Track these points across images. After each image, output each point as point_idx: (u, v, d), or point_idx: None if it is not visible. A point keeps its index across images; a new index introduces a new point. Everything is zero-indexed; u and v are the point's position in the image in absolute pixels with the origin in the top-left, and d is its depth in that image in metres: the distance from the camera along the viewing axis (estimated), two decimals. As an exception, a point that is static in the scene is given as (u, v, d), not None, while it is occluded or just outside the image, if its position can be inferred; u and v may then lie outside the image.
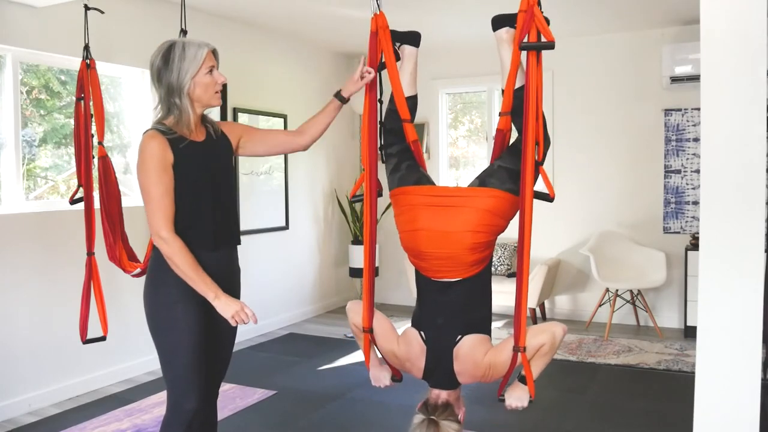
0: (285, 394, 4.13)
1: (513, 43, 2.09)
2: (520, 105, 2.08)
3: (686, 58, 5.29)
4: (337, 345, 5.25)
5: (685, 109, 5.63)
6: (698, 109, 4.82)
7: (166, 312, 2.24)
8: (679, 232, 5.72)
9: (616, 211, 5.94)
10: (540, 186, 2.06)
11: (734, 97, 1.78)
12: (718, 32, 1.80)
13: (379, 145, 2.35)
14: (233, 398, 3.99)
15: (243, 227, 5.14)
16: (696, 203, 5.63)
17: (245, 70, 5.45)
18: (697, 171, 5.61)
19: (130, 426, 3.59)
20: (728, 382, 1.81)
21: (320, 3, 4.83)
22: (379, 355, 2.38)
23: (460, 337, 2.15)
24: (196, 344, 2.23)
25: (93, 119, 3.30)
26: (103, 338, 3.41)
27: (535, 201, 2.08)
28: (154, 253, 2.25)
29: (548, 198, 2.05)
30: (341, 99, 2.45)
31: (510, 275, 6.03)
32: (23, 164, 4.02)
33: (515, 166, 2.09)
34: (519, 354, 2.05)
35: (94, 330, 3.47)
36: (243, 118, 5.40)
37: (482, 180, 2.18)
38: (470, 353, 2.14)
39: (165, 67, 2.18)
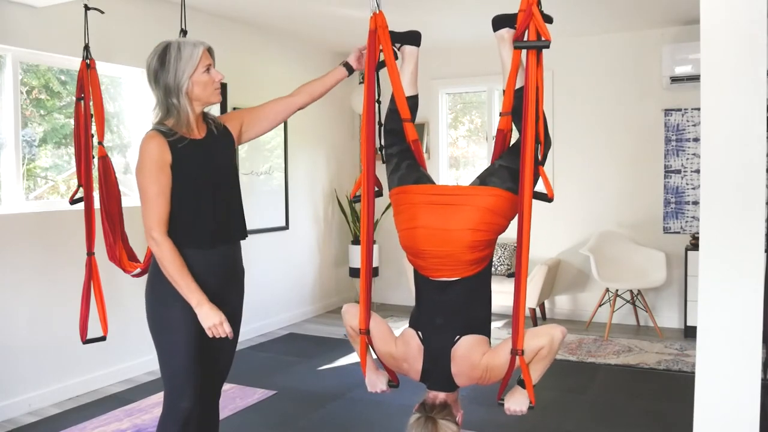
0: (285, 394, 4.13)
1: (528, 68, 2.07)
2: (520, 105, 2.08)
3: (686, 58, 5.29)
4: (337, 345, 5.25)
5: (685, 109, 5.63)
6: (698, 109, 4.82)
7: (164, 311, 2.24)
8: (679, 232, 5.72)
9: (616, 211, 5.94)
10: (539, 186, 2.05)
11: (734, 97, 1.78)
12: (718, 32, 1.80)
13: (378, 146, 2.34)
14: (233, 398, 3.99)
15: (243, 227, 5.13)
16: (696, 203, 5.63)
17: (245, 70, 5.45)
18: (697, 171, 5.61)
19: (130, 426, 3.59)
20: (728, 382, 1.81)
21: (320, 3, 4.83)
22: (375, 357, 2.34)
23: (458, 337, 2.14)
24: (192, 344, 2.23)
25: (93, 119, 3.30)
26: (103, 338, 3.41)
27: (535, 201, 2.08)
28: None
29: (547, 198, 2.04)
30: (349, 68, 2.46)
31: (510, 275, 6.02)
32: (23, 164, 4.02)
33: (516, 166, 2.07)
34: (517, 357, 2.02)
35: (94, 330, 3.47)
36: (243, 118, 5.40)
37: (483, 179, 2.17)
38: (468, 354, 2.12)
39: (161, 68, 2.18)
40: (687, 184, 5.67)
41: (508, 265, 6.06)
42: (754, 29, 1.75)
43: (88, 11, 3.30)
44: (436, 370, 2.16)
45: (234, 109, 5.27)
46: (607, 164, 5.96)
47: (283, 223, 5.98)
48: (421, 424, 2.08)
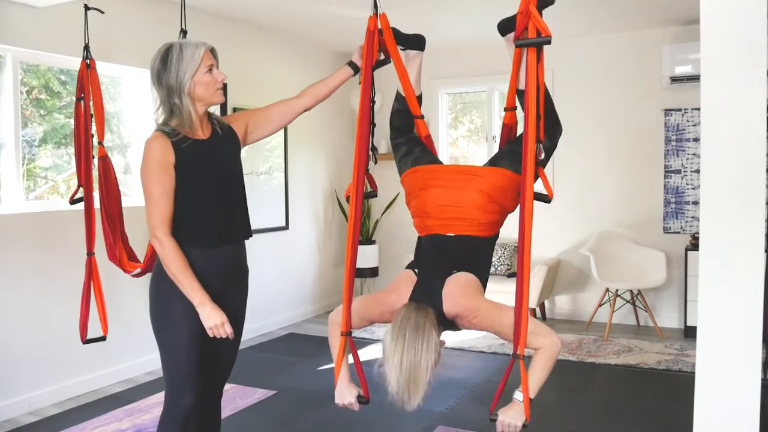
0: (285, 394, 4.13)
1: (528, 65, 2.08)
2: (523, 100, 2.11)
3: (686, 58, 5.29)
4: (337, 345, 5.24)
5: (685, 109, 5.63)
6: (698, 109, 4.82)
7: (167, 309, 2.25)
8: (679, 232, 5.72)
9: (616, 211, 5.94)
10: (539, 187, 2.05)
11: (734, 97, 1.78)
12: (718, 32, 1.80)
13: (371, 146, 2.35)
14: (233, 398, 3.99)
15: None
16: (696, 203, 5.63)
17: (245, 70, 5.45)
18: (697, 171, 5.61)
19: (130, 426, 3.59)
20: (728, 382, 1.81)
21: (320, 3, 4.83)
22: (351, 362, 2.20)
23: (456, 271, 2.10)
24: (194, 342, 2.24)
25: (93, 119, 3.30)
26: (103, 338, 3.41)
27: (536, 200, 2.08)
28: None
29: (546, 199, 2.05)
30: (354, 67, 2.45)
31: (510, 275, 6.03)
32: (23, 164, 4.02)
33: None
34: (517, 362, 1.93)
35: (94, 330, 3.47)
36: (243, 118, 5.40)
37: (494, 162, 2.26)
38: (464, 283, 2.06)
39: (164, 68, 2.19)
40: (687, 184, 5.67)
41: (508, 265, 6.06)
42: (754, 29, 1.75)
43: (88, 11, 3.30)
44: (426, 293, 2.07)
45: (234, 109, 5.28)
46: (607, 164, 5.96)
47: (283, 223, 5.99)
48: (413, 307, 1.98)
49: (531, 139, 1.96)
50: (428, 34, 2.61)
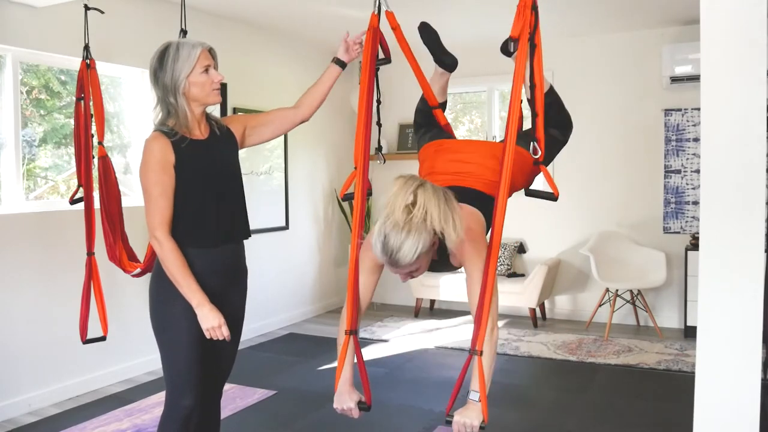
0: (285, 394, 4.13)
1: (517, 58, 2.05)
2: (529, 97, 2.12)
3: (686, 58, 5.29)
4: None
5: (685, 109, 5.63)
6: (698, 109, 4.82)
7: (167, 309, 2.25)
8: (679, 232, 5.72)
9: (616, 211, 5.94)
10: (543, 185, 2.05)
11: (734, 97, 1.78)
12: (718, 32, 1.80)
13: (377, 145, 2.37)
14: (233, 398, 3.99)
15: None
16: (696, 203, 5.63)
17: (245, 70, 5.45)
18: (697, 171, 5.61)
19: (130, 426, 3.59)
20: (728, 382, 1.81)
21: (320, 3, 4.83)
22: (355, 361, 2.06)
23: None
24: (194, 342, 2.24)
25: (93, 119, 3.30)
26: (103, 338, 3.41)
27: (536, 200, 2.08)
28: None
29: (553, 197, 2.04)
30: (341, 64, 2.45)
31: (510, 275, 6.03)
32: (23, 164, 4.02)
33: (533, 135, 2.11)
34: (475, 358, 1.80)
35: (94, 330, 3.47)
36: (243, 118, 5.40)
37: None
38: (469, 211, 1.96)
39: (160, 68, 2.20)
40: (687, 184, 5.67)
41: (508, 265, 6.06)
42: (754, 29, 1.75)
43: (88, 11, 3.30)
44: None
45: (234, 109, 5.28)
46: (607, 164, 5.96)
47: (283, 223, 5.99)
48: (412, 182, 1.79)
49: (512, 134, 1.94)
50: (428, 34, 2.62)
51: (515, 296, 5.77)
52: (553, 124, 2.31)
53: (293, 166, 6.08)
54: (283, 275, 6.01)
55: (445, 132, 2.43)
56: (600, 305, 5.67)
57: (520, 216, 5.83)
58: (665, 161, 5.73)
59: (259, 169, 5.66)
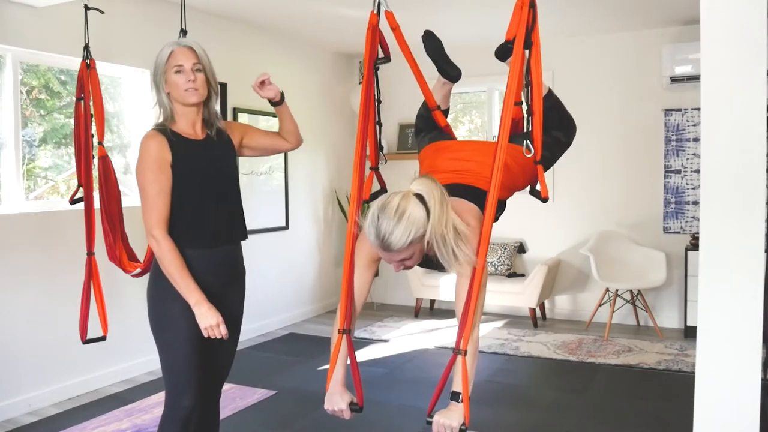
0: (285, 394, 4.13)
1: (513, 60, 2.03)
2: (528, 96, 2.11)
3: (686, 58, 5.29)
4: (337, 345, 5.24)
5: (685, 109, 5.63)
6: (698, 109, 4.82)
7: (165, 309, 2.25)
8: (679, 232, 5.72)
9: (616, 211, 5.94)
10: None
11: (734, 97, 1.78)
12: (718, 32, 1.80)
13: (378, 145, 2.36)
14: (233, 398, 3.99)
15: (243, 227, 5.15)
16: (696, 203, 5.63)
17: (245, 70, 5.44)
18: (697, 171, 5.61)
19: (130, 426, 3.59)
20: (728, 382, 1.81)
21: (320, 3, 4.83)
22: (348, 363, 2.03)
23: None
24: (193, 342, 2.24)
25: (93, 119, 3.30)
26: (103, 338, 3.41)
27: (536, 200, 2.08)
28: None
29: (541, 198, 2.04)
30: (274, 104, 2.55)
31: (510, 275, 6.03)
32: (23, 164, 4.02)
33: (531, 136, 2.10)
34: (459, 358, 1.76)
35: (94, 330, 3.47)
36: (243, 118, 5.40)
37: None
38: (468, 205, 1.96)
39: (153, 67, 2.28)
40: (687, 184, 5.67)
41: (508, 265, 6.06)
42: (754, 29, 1.75)
43: (88, 11, 3.30)
44: None
45: (234, 109, 5.28)
46: (607, 164, 5.96)
47: (283, 223, 5.99)
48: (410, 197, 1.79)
49: (504, 132, 1.92)
50: (428, 35, 2.62)
51: (515, 296, 5.77)
52: (555, 127, 2.32)
53: (293, 166, 6.08)
54: (283, 275, 6.01)
55: (446, 133, 2.44)
56: (600, 305, 5.67)
57: (520, 216, 5.83)
58: (665, 161, 5.73)
59: (259, 169, 5.66)
